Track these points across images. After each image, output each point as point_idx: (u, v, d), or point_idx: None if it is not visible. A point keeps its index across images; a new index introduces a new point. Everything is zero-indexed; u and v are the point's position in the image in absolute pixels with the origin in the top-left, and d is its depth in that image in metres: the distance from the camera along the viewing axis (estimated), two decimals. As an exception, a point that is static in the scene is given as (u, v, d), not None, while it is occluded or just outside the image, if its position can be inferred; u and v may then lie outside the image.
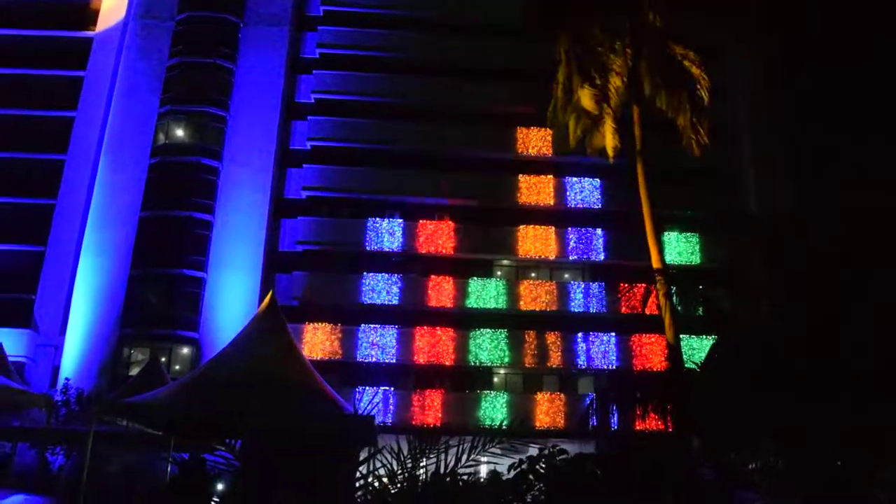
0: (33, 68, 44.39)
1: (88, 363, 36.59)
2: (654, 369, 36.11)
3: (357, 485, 7.76)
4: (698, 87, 17.00)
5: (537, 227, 39.77)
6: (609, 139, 18.71)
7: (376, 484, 7.52)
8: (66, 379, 34.79)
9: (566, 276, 40.79)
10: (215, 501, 12.33)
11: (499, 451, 7.69)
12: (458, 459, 7.39)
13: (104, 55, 44.93)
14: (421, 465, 7.51)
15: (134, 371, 32.87)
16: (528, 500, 9.01)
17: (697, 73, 16.86)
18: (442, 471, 7.40)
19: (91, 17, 46.20)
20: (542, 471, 9.19)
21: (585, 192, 40.68)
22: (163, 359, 32.67)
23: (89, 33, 45.77)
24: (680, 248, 39.34)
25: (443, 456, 7.45)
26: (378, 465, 7.54)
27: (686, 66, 16.82)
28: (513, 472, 9.17)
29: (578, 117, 18.76)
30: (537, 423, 35.14)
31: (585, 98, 17.23)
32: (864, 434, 9.28)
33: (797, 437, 9.31)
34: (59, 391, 33.29)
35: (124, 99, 42.14)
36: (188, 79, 41.36)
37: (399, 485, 7.52)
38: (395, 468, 7.46)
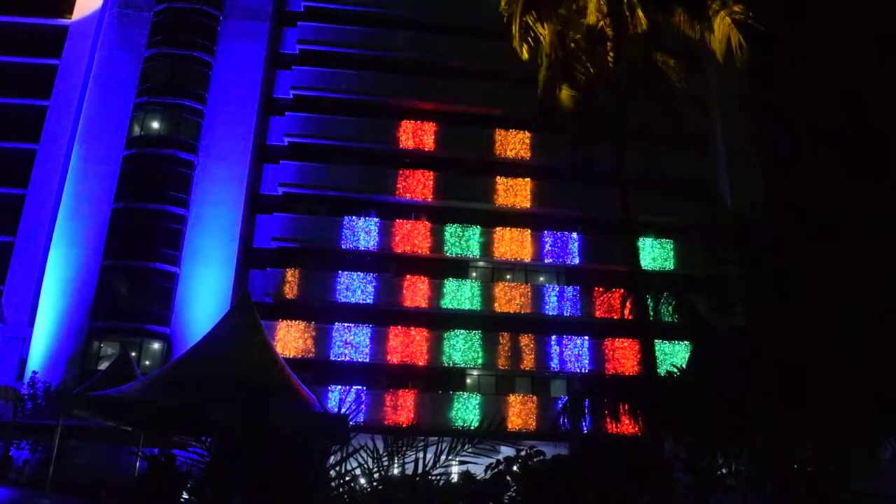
0: (6, 55, 43.62)
1: (56, 356, 36.02)
2: (627, 373, 36.39)
3: (331, 484, 7.70)
4: (678, 95, 17.12)
5: (513, 229, 39.87)
6: None
7: (352, 483, 7.47)
8: (34, 372, 34.23)
9: (541, 278, 40.93)
10: (186, 498, 12.18)
11: (470, 451, 7.67)
12: (436, 459, 7.36)
13: (80, 44, 44.30)
14: (397, 464, 7.48)
15: (103, 365, 32.42)
16: (505, 501, 9.01)
17: (677, 79, 16.97)
18: (420, 471, 7.36)
19: (67, 4, 45.52)
20: (518, 472, 9.19)
21: (562, 196, 40.79)
22: (133, 353, 32.25)
23: (65, 21, 45.11)
24: (654, 254, 39.66)
25: (420, 455, 7.42)
26: (354, 464, 7.49)
27: (666, 73, 16.94)
28: (489, 473, 9.15)
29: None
30: (510, 425, 35.20)
31: (565, 97, 17.29)
32: (837, 441, 9.41)
33: (771, 442, 9.42)
34: (25, 384, 32.75)
35: (100, 89, 41.56)
36: (166, 70, 40.90)
37: (374, 484, 7.47)
38: (371, 467, 7.41)
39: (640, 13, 16.69)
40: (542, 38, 17.59)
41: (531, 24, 17.48)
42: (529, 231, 39.97)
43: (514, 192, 40.49)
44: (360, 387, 36.17)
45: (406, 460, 7.49)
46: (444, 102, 42.16)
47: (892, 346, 10.18)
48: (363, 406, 35.16)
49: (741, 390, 9.97)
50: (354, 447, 7.65)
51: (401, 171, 40.28)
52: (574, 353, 38.00)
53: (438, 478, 7.58)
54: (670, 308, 13.66)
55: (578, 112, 17.76)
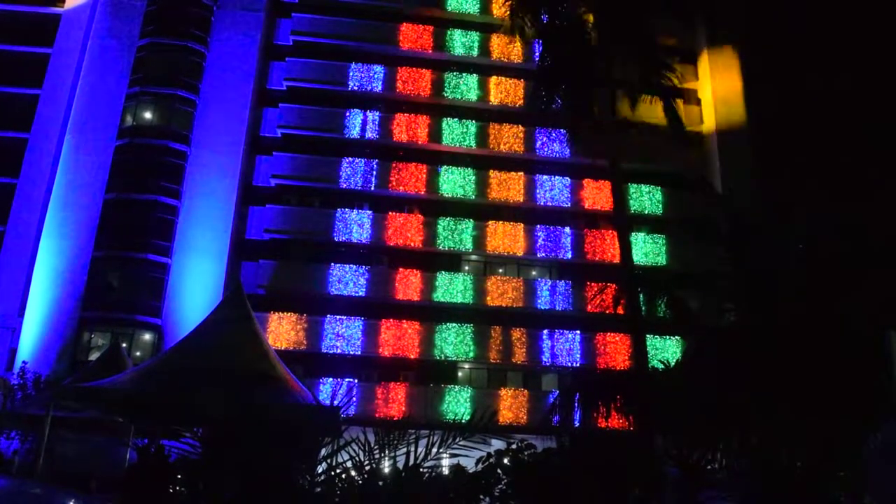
0: (-2, 43, 43.37)
1: (47, 346, 35.90)
2: (618, 368, 36.47)
3: (322, 477, 7.72)
4: (674, 91, 17.16)
5: (506, 223, 39.89)
6: None
7: (344, 476, 7.49)
8: (24, 362, 34.05)
9: (533, 272, 40.99)
10: (176, 489, 12.17)
11: (461, 444, 7.70)
12: (427, 452, 7.40)
13: (72, 32, 43.99)
14: (388, 457, 7.51)
15: (94, 356, 32.33)
16: (496, 493, 9.04)
17: (674, 76, 17.02)
18: (411, 464, 7.39)
19: (60, -8, 45.25)
20: (509, 465, 9.23)
21: (555, 190, 40.89)
22: (124, 344, 32.17)
23: (58, 10, 44.80)
24: (647, 249, 39.76)
25: (411, 448, 7.45)
26: (346, 456, 7.51)
27: (663, 69, 16.96)
28: (480, 466, 9.18)
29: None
30: (501, 419, 35.24)
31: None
32: (824, 436, 9.47)
33: (760, 438, 9.48)
34: (15, 375, 32.57)
35: (92, 78, 41.32)
36: (158, 60, 40.69)
37: (364, 476, 7.50)
38: (363, 460, 7.43)
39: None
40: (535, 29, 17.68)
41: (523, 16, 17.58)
42: (522, 225, 40.01)
43: (508, 186, 40.50)
44: (351, 379, 36.21)
45: (397, 453, 7.51)
46: (439, 96, 42.13)
47: (880, 342, 10.26)
48: (354, 399, 35.20)
49: (731, 387, 10.02)
50: (346, 439, 7.67)
51: (394, 164, 40.23)
52: (566, 347, 38.09)
53: (429, 471, 7.61)
54: (662, 304, 13.72)
55: (574, 107, 17.77)
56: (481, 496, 8.92)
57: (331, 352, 36.86)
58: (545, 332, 38.27)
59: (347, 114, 40.96)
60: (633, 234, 38.82)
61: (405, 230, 39.16)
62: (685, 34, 40.05)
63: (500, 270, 40.69)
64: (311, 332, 36.81)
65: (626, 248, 16.27)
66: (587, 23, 17.82)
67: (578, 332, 38.35)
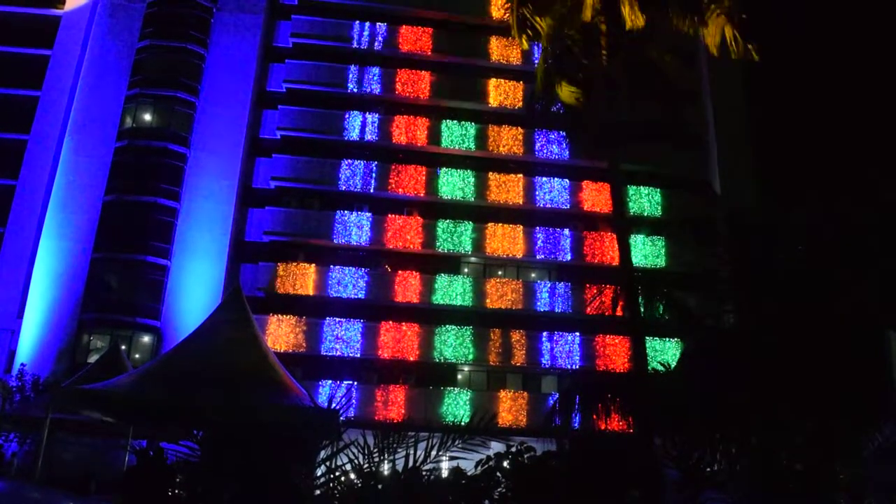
0: (-2, 45, 43.37)
1: (46, 348, 35.88)
2: (617, 370, 36.47)
3: (321, 479, 7.70)
4: (673, 90, 17.08)
5: (506, 225, 39.86)
6: None
7: (343, 478, 7.47)
8: (23, 364, 34.02)
9: (533, 275, 40.96)
10: (176, 492, 12.15)
11: (461, 447, 7.67)
12: (426, 455, 7.37)
13: (72, 34, 44.00)
14: (387, 459, 7.49)
15: (93, 358, 32.26)
16: (496, 496, 9.01)
17: (673, 76, 16.95)
18: (410, 466, 7.37)
19: (60, -6, 45.26)
20: (508, 468, 9.20)
21: (555, 192, 40.87)
22: (123, 347, 32.10)
23: (57, 11, 44.80)
24: (646, 251, 39.73)
25: (410, 451, 7.43)
26: (345, 459, 7.49)
27: (662, 69, 16.89)
28: (480, 469, 9.15)
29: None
30: (500, 421, 35.20)
31: (564, 93, 17.17)
32: (824, 438, 9.45)
33: (758, 438, 9.46)
34: (14, 377, 32.52)
35: (91, 80, 41.32)
36: (158, 62, 40.70)
37: (363, 479, 7.47)
38: (363, 462, 7.41)
39: (636, 9, 16.62)
40: (540, 29, 17.50)
41: (528, 15, 17.38)
42: (521, 227, 39.99)
43: (507, 188, 40.48)
44: (350, 382, 36.15)
45: (396, 456, 7.49)
46: (437, 97, 42.13)
47: (880, 342, 10.25)
48: (353, 401, 35.14)
49: (731, 387, 10.01)
50: (345, 442, 7.65)
51: (393, 166, 40.21)
52: (565, 349, 38.06)
53: (428, 473, 7.58)
54: (661, 305, 13.69)
55: (571, 107, 17.67)
56: (481, 498, 8.89)
57: (330, 354, 36.83)
58: (545, 334, 38.24)
59: (347, 116, 40.97)
60: (633, 235, 38.84)
61: (404, 232, 39.14)
62: (685, 34, 40.04)
63: (500, 272, 40.67)
64: (311, 334, 36.78)
65: (625, 250, 16.15)
66: (587, 23, 17.75)
67: (578, 334, 38.31)
